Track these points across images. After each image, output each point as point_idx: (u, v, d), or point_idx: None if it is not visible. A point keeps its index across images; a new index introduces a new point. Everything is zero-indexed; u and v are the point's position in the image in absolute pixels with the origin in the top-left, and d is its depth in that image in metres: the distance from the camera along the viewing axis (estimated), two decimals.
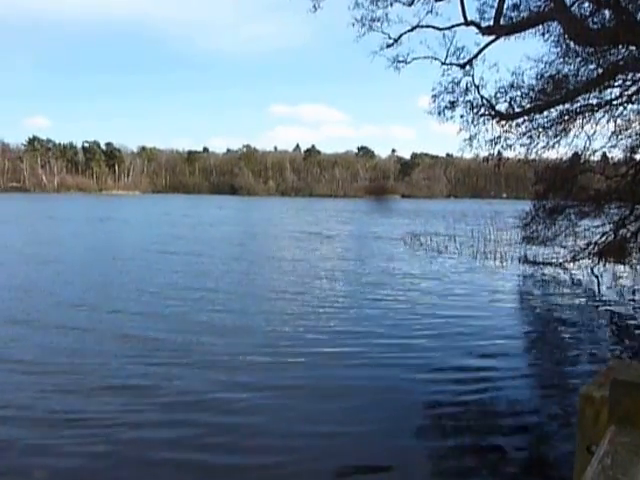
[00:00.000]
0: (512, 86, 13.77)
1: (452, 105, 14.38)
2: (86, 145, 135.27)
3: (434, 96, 14.45)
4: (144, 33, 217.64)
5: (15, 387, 6.94)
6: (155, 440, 5.59)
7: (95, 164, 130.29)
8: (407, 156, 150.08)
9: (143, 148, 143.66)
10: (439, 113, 14.44)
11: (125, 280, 15.02)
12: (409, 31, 14.25)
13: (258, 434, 5.76)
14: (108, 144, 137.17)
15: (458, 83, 14.27)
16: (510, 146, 14.34)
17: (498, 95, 13.89)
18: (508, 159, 15.10)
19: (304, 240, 28.78)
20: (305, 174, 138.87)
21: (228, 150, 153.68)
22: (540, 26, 13.08)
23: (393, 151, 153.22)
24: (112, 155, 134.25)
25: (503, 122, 14.08)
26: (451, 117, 14.39)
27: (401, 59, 14.58)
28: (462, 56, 14.12)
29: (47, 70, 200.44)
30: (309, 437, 5.72)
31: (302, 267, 18.39)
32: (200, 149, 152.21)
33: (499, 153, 14.43)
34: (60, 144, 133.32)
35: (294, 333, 9.72)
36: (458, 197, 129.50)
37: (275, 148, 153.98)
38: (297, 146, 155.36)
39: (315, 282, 15.21)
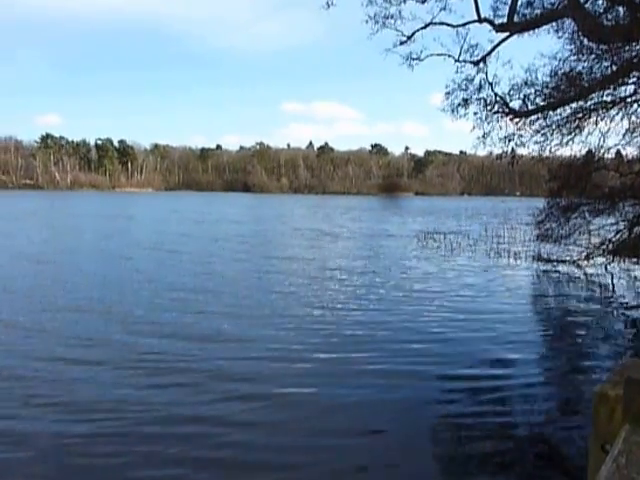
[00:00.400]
0: (526, 83, 13.72)
1: (466, 102, 14.37)
2: (99, 142, 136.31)
3: (447, 93, 14.48)
4: (156, 31, 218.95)
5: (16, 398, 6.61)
6: (150, 455, 5.32)
7: (108, 161, 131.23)
8: (420, 153, 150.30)
9: (156, 145, 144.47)
10: (452, 110, 14.46)
11: (128, 280, 14.89)
12: (422, 28, 14.28)
13: (261, 449, 5.51)
14: (121, 141, 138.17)
15: (472, 80, 14.28)
16: (524, 143, 14.29)
17: (512, 92, 13.85)
18: (522, 156, 15.04)
19: (315, 238, 28.78)
20: (318, 171, 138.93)
21: (241, 147, 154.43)
22: (554, 23, 13.02)
23: (406, 148, 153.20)
24: (125, 152, 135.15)
25: (517, 119, 14.02)
26: (465, 114, 14.40)
27: (414, 56, 14.62)
28: (476, 53, 14.14)
29: (60, 67, 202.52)
30: (316, 451, 5.47)
31: (311, 267, 18.26)
32: (213, 146, 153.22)
33: (513, 150, 14.38)
34: (73, 141, 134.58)
35: (300, 338, 9.42)
36: (472, 195, 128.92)
37: (288, 145, 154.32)
38: (310, 143, 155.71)
39: (325, 283, 14.99)
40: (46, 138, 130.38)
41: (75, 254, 21.06)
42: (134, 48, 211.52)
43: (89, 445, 5.46)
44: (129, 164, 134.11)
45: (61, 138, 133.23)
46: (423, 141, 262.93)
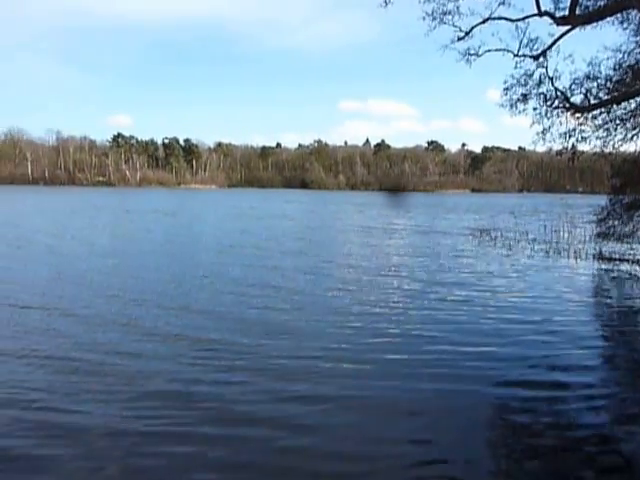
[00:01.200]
0: (588, 77, 13.43)
1: (525, 98, 14.19)
2: (166, 141, 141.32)
3: (506, 89, 14.34)
4: (218, 35, 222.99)
5: (59, 390, 6.85)
6: (199, 458, 5.28)
7: (174, 159, 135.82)
8: (478, 150, 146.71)
9: (219, 144, 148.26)
10: (511, 106, 14.31)
11: (186, 275, 15.58)
12: (481, 23, 14.15)
13: (314, 456, 5.38)
14: (186, 140, 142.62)
15: (531, 75, 14.07)
16: (585, 139, 14.00)
17: (573, 87, 13.58)
18: (583, 152, 14.69)
19: (371, 234, 28.89)
20: (375, 168, 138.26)
21: (300, 145, 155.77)
22: (618, 15, 12.70)
23: (463, 145, 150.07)
24: (190, 150, 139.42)
25: (578, 114, 13.75)
26: (524, 110, 14.22)
27: (472, 52, 14.50)
28: (535, 47, 13.90)
29: (129, 71, 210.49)
30: (370, 461, 5.30)
31: (367, 264, 18.38)
32: (273, 145, 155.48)
33: (573, 146, 14.09)
34: (142, 140, 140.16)
35: (357, 337, 9.42)
36: (531, 191, 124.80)
37: (345, 143, 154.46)
38: (367, 141, 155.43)
39: (381, 280, 14.94)
40: (117, 138, 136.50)
41: (143, 251, 22.19)
42: (197, 51, 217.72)
43: (133, 442, 5.51)
44: (194, 162, 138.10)
45: (131, 137, 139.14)
46: (480, 137, 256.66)
